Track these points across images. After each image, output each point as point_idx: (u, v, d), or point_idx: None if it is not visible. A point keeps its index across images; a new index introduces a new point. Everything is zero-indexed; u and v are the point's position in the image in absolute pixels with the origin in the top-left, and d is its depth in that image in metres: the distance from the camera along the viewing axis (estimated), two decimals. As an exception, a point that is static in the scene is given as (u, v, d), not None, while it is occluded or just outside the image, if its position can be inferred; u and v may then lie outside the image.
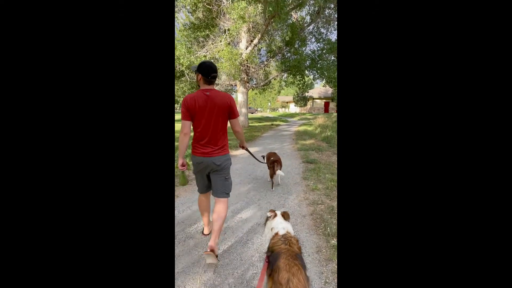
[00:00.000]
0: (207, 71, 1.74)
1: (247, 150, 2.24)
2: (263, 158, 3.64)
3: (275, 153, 3.64)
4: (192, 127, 1.80)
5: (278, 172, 3.30)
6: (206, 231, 2.18)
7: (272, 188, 3.38)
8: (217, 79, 2.13)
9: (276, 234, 1.32)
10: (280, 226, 1.37)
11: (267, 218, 1.51)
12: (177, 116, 24.02)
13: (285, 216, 1.49)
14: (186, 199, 3.05)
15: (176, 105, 48.06)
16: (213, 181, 1.92)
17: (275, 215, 1.49)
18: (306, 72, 12.06)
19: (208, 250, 1.69)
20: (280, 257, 1.11)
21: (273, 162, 3.31)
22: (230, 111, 1.82)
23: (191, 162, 2.00)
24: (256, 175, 4.08)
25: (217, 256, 1.73)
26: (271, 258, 1.16)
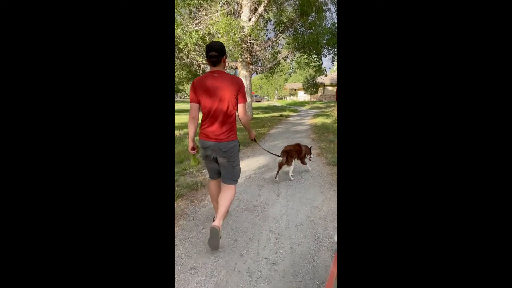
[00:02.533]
0: (206, 51, 1.71)
1: (255, 141, 2.17)
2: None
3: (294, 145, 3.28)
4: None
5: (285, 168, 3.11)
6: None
7: (276, 178, 3.14)
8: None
9: None
10: None
11: None
12: (178, 106, 22.28)
13: None
14: None
15: (180, 94, 46.05)
16: (221, 167, 1.90)
17: None
18: (324, 50, 9.77)
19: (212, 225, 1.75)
20: None
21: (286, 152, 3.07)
22: (238, 95, 1.75)
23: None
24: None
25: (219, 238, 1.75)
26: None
